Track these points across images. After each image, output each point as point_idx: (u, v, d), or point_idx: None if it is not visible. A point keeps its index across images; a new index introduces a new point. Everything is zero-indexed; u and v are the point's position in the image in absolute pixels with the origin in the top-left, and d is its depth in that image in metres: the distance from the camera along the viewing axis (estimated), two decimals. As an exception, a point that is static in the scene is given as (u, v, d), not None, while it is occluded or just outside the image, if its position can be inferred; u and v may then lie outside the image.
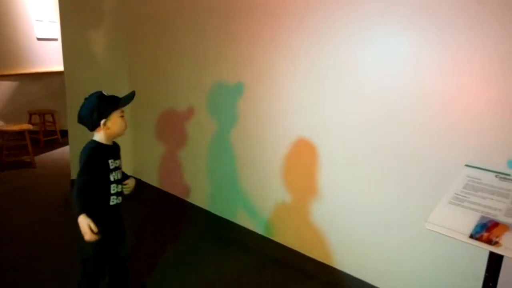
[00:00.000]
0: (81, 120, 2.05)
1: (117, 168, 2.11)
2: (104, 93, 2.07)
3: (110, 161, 2.05)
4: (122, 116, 2.10)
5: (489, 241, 1.41)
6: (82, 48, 4.16)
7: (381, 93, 2.30)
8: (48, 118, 6.27)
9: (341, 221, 2.63)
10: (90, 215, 1.87)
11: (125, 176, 2.23)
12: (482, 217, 1.52)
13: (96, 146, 2.04)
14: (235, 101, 3.15)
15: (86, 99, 2.07)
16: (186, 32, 3.49)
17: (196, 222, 3.61)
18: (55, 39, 6.41)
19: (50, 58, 6.45)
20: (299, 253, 2.92)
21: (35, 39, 6.31)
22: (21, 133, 5.10)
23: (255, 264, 2.91)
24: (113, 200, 2.07)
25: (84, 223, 1.87)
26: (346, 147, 2.52)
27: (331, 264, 2.74)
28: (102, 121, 2.01)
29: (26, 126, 5.14)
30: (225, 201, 3.45)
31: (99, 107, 2.01)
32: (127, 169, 4.36)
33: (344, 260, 2.67)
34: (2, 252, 3.05)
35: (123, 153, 4.48)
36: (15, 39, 6.10)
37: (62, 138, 6.20)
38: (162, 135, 4.01)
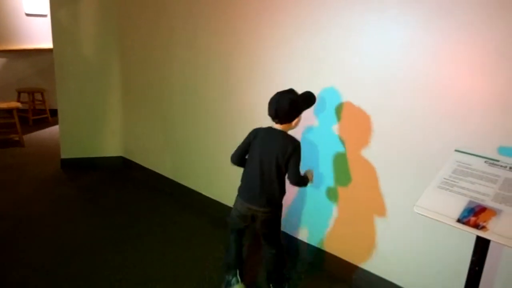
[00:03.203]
0: (283, 112, 2.12)
1: None
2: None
3: None
4: None
5: (476, 226, 1.42)
6: (72, 25, 4.06)
7: (374, 78, 2.28)
8: (38, 96, 6.18)
9: (331, 206, 2.64)
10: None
11: None
12: (470, 202, 1.53)
13: None
14: (228, 84, 3.11)
15: (286, 93, 2.14)
16: (179, 9, 3.41)
17: (190, 205, 3.61)
18: (45, 15, 6.26)
19: (39, 35, 6.30)
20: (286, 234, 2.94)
21: (24, 15, 6.15)
22: (9, 111, 5.02)
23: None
24: None
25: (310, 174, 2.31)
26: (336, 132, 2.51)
27: (319, 246, 2.77)
28: (296, 119, 2.17)
29: (14, 104, 5.05)
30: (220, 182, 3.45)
31: (301, 105, 2.17)
32: (117, 150, 4.39)
33: (333, 244, 2.69)
34: (-11, 230, 3.03)
35: (112, 133, 4.45)
36: (2, 14, 5.95)
37: (51, 117, 6.13)
38: (153, 114, 3.96)
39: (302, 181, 2.22)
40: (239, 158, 2.28)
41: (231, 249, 2.42)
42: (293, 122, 2.17)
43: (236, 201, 2.30)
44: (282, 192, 2.24)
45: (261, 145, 2.19)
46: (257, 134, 2.23)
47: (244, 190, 2.26)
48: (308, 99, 2.22)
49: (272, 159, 2.14)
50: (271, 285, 2.43)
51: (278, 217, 2.29)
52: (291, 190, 2.52)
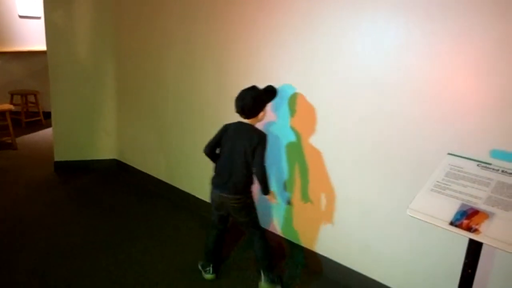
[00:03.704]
0: (248, 108, 2.33)
1: None
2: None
3: None
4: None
5: (468, 229, 1.44)
6: (66, 27, 4.04)
7: (368, 82, 2.29)
8: (31, 98, 6.13)
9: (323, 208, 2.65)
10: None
11: None
12: (463, 205, 1.54)
13: None
14: (224, 86, 3.12)
15: (249, 91, 2.35)
16: (175, 10, 3.41)
17: (182, 207, 3.60)
18: (38, 17, 6.23)
19: (33, 37, 6.27)
20: (281, 237, 2.94)
21: (17, 17, 6.12)
22: (1, 113, 4.98)
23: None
24: None
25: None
26: (331, 135, 2.52)
27: (312, 249, 2.77)
28: (261, 113, 2.39)
29: (7, 106, 5.01)
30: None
31: (264, 100, 2.41)
32: (110, 152, 4.37)
33: (326, 246, 2.70)
34: (-19, 234, 3.00)
35: (106, 136, 4.43)
36: (-4, 16, 5.91)
37: (45, 119, 6.09)
38: (147, 117, 3.96)
39: (265, 174, 2.35)
40: (210, 150, 2.47)
41: (207, 243, 2.63)
42: (259, 116, 2.38)
43: (211, 192, 2.48)
44: (250, 181, 2.42)
45: (231, 138, 2.39)
46: (227, 128, 2.44)
47: (216, 180, 2.45)
48: (269, 94, 2.49)
49: (241, 150, 2.34)
50: (262, 272, 2.52)
51: (248, 205, 2.45)
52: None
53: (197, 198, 3.55)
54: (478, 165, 1.73)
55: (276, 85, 2.59)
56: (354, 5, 2.28)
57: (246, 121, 2.39)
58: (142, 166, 4.15)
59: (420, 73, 2.10)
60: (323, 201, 2.64)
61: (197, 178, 3.54)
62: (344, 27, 2.35)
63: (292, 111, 2.67)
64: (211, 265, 2.62)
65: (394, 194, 2.29)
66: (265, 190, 2.39)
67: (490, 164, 1.71)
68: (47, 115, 5.60)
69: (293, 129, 2.69)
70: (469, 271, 1.58)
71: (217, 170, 2.47)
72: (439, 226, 1.48)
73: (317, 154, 2.60)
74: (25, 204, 3.54)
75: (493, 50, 1.86)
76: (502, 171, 1.67)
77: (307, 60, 2.55)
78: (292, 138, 2.71)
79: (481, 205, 1.52)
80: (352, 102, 2.39)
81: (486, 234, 1.40)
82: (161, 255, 2.84)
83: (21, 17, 6.15)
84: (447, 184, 1.65)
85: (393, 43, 2.18)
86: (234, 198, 2.37)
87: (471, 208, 1.51)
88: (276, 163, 2.84)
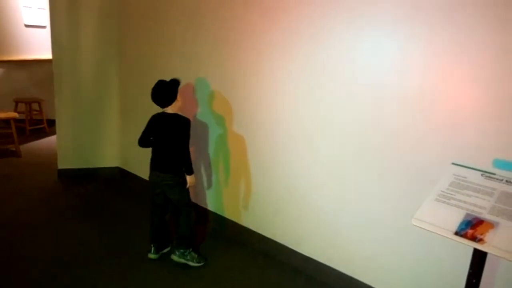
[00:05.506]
0: (162, 99, 2.71)
1: None
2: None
3: None
4: None
5: (473, 238, 1.44)
6: (72, 36, 4.09)
7: (370, 92, 2.31)
8: (35, 106, 6.18)
9: (326, 217, 2.65)
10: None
11: None
12: (467, 215, 1.55)
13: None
14: (225, 98, 3.14)
15: (159, 85, 2.71)
16: (178, 23, 3.45)
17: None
18: (44, 27, 6.30)
19: (38, 46, 6.34)
20: (286, 247, 2.93)
21: (23, 26, 6.20)
22: (6, 121, 5.01)
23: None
24: None
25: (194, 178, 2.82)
26: (333, 145, 2.53)
27: (315, 258, 2.77)
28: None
29: (12, 114, 5.04)
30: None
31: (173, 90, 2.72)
32: (114, 160, 4.39)
33: (328, 254, 2.70)
34: (-15, 241, 3.01)
35: (110, 143, 4.45)
36: (1, 25, 5.98)
37: (49, 127, 6.13)
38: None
39: (188, 156, 2.74)
40: (144, 141, 2.83)
41: (151, 223, 2.89)
42: (173, 104, 2.72)
43: (150, 175, 2.81)
44: (179, 162, 2.74)
45: (160, 126, 2.74)
46: (154, 119, 2.79)
47: (154, 163, 2.78)
48: (174, 84, 2.76)
49: (170, 136, 2.71)
50: (177, 246, 2.82)
51: (180, 183, 2.75)
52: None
53: (199, 206, 3.56)
54: (482, 175, 1.74)
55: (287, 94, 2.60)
56: (357, 20, 2.31)
57: (169, 110, 2.70)
58: (145, 174, 4.12)
59: (421, 83, 2.11)
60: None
61: (198, 185, 3.54)
62: (347, 41, 2.38)
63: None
64: (155, 244, 2.87)
65: (396, 203, 2.29)
66: (188, 170, 2.75)
67: (494, 174, 1.72)
68: (51, 122, 5.63)
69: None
70: (474, 281, 1.58)
71: (155, 156, 2.77)
72: (444, 236, 1.49)
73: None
74: (28, 211, 3.55)
75: (493, 60, 1.88)
76: (506, 181, 1.67)
77: (313, 72, 2.57)
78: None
79: (485, 215, 1.52)
80: (353, 112, 2.41)
81: (491, 244, 1.41)
82: (165, 262, 2.83)
83: (26, 26, 6.23)
84: (451, 194, 1.66)
85: (394, 53, 2.20)
86: (167, 176, 2.71)
87: (476, 218, 1.52)
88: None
